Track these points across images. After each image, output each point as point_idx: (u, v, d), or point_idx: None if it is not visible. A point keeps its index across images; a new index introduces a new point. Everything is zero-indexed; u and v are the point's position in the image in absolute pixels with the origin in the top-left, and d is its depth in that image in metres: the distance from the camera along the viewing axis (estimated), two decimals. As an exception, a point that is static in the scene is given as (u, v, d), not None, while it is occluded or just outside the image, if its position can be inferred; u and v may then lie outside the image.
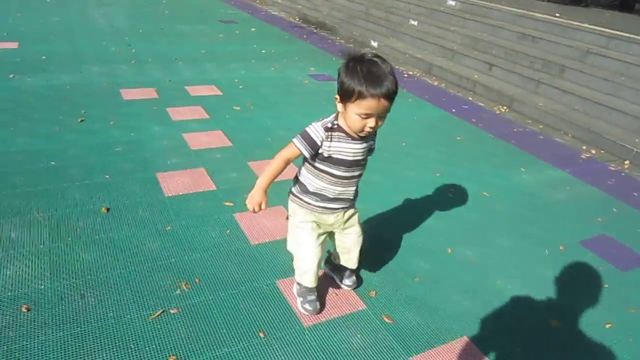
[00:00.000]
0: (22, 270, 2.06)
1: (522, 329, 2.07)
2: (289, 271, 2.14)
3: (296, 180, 1.90)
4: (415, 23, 7.84)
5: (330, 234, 2.02)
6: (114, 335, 1.76)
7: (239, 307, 2.00)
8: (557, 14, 7.25)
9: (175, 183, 2.95)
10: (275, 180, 1.77)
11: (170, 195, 2.81)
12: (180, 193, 2.85)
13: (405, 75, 6.25)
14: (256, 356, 1.75)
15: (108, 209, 2.58)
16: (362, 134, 1.68)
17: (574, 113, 4.97)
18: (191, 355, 1.72)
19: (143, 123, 3.79)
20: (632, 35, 5.80)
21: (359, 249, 2.04)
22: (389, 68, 1.57)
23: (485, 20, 7.21)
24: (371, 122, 1.60)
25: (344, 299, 2.13)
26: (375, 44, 7.51)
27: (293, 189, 1.91)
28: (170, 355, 1.71)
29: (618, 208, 3.36)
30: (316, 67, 6.06)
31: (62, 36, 6.21)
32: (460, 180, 3.44)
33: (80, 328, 1.78)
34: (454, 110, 5.07)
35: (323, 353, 1.81)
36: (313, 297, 2.00)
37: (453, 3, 8.04)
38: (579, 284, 2.47)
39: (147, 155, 3.26)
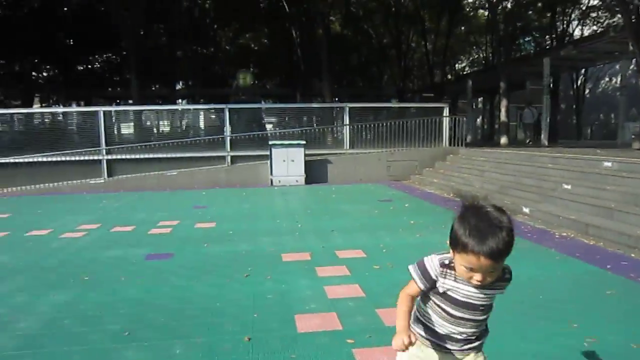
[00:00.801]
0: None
1: None
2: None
3: (415, 313, 1.81)
4: (569, 187, 7.72)
5: None
6: None
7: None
8: None
9: (309, 322, 3.37)
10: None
11: (302, 331, 3.22)
12: (311, 330, 3.24)
13: (557, 236, 6.05)
14: None
15: (250, 338, 3.09)
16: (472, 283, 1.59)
17: None
18: None
19: (293, 278, 4.44)
20: None
21: None
22: (504, 222, 1.50)
23: (647, 176, 6.81)
24: (477, 277, 1.54)
25: None
26: (527, 210, 7.51)
27: (410, 321, 1.77)
28: None
29: None
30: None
31: (248, 218, 7.68)
32: (603, 333, 3.17)
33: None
34: (609, 266, 4.71)
35: None
36: None
37: (609, 164, 7.81)
38: None
39: (290, 302, 3.80)
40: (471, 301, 1.63)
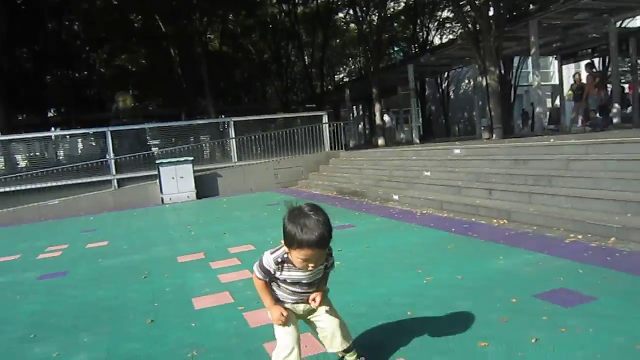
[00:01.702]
0: None
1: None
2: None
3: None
4: (429, 173, 8.99)
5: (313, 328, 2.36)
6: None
7: None
8: (551, 139, 8.17)
9: (205, 301, 3.85)
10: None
11: (199, 308, 3.69)
12: (207, 306, 3.72)
13: (418, 214, 7.13)
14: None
15: (152, 321, 3.49)
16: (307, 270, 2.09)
17: (562, 211, 5.52)
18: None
19: (189, 273, 4.85)
20: (605, 139, 6.53)
21: (337, 326, 2.29)
22: (321, 217, 1.99)
23: (485, 157, 8.24)
24: (311, 265, 2.03)
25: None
26: (396, 197, 8.60)
27: None
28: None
29: (584, 269, 3.77)
30: (339, 221, 7.12)
31: (141, 233, 7.82)
32: (439, 272, 4.07)
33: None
34: (453, 229, 5.79)
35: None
36: None
37: (458, 151, 9.24)
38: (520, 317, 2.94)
39: (187, 290, 4.23)
40: (305, 280, 2.15)
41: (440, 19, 28.13)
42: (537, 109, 13.54)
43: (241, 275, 4.60)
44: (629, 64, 19.19)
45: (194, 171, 12.80)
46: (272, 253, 2.13)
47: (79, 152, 14.54)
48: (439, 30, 29.13)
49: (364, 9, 21.22)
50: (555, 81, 26.71)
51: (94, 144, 14.31)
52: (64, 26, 26.03)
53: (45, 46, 23.76)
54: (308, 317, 2.32)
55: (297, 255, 1.99)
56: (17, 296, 4.58)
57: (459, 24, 27.36)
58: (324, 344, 2.37)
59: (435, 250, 4.89)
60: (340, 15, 30.73)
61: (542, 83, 28.16)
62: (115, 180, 13.07)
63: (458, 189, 7.59)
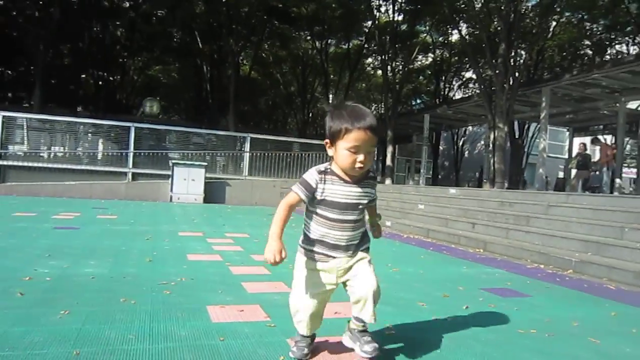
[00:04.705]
0: None
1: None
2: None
3: (303, 232, 2.05)
4: (422, 207, 9.53)
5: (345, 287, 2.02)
6: None
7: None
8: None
9: (197, 257, 4.40)
10: None
11: (191, 260, 4.24)
12: (198, 260, 4.26)
13: (404, 236, 7.64)
14: None
15: (150, 260, 4.04)
16: (354, 173, 1.87)
17: (533, 245, 6.00)
18: None
19: (186, 241, 5.42)
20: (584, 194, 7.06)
21: (371, 295, 1.92)
22: (368, 110, 1.85)
23: (476, 197, 8.79)
24: (360, 157, 1.81)
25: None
26: (389, 223, 9.11)
27: (300, 241, 2.06)
28: None
29: (532, 282, 4.26)
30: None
31: (148, 216, 8.40)
32: (406, 268, 4.58)
33: None
34: (431, 248, 6.29)
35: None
36: (303, 343, 2.04)
37: (454, 191, 9.79)
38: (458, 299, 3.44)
39: (184, 250, 4.79)
40: (349, 200, 1.91)
41: (464, 79, 29.29)
42: (540, 170, 14.09)
43: (233, 248, 5.15)
44: (638, 145, 19.82)
45: (206, 177, 13.47)
46: (314, 167, 1.94)
47: (101, 142, 15.34)
48: (461, 89, 30.21)
49: (390, 55, 22.29)
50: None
51: (116, 137, 15.10)
52: (108, 30, 27.60)
53: (89, 46, 25.22)
54: (343, 279, 2.01)
55: (344, 146, 1.82)
56: (34, 234, 5.18)
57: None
58: (353, 309, 2.00)
59: (408, 257, 5.40)
60: (370, 60, 32.07)
61: (556, 155, 28.89)
62: (130, 174, 13.78)
63: (446, 221, 8.10)
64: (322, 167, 1.92)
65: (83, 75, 27.70)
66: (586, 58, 22.43)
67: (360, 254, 2.03)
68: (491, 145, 14.85)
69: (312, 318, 1.99)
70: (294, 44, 29.17)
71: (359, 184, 1.93)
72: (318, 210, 1.93)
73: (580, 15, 19.71)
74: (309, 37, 29.02)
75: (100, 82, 28.26)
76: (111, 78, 31.13)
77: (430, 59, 28.97)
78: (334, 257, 1.96)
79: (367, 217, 2.16)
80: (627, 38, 21.27)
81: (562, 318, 3.04)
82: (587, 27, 20.88)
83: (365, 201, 1.98)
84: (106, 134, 14.65)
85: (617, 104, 15.48)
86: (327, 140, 1.90)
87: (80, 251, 4.30)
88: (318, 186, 1.89)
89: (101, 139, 14.97)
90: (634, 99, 16.16)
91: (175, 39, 28.31)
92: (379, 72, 31.07)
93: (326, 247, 1.96)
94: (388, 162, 21.48)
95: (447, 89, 29.85)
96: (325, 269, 1.97)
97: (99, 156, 14.42)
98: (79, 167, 13.36)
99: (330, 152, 1.90)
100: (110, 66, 28.86)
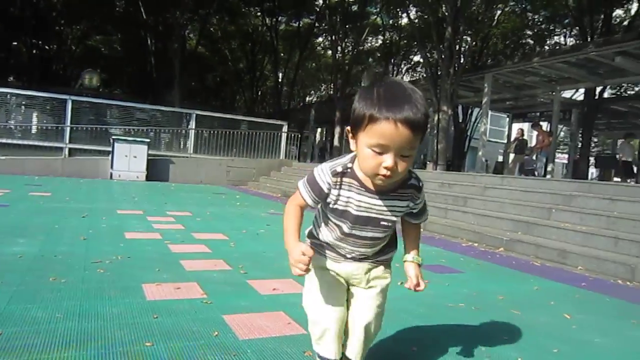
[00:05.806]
0: (22, 246, 3.33)
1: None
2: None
3: (312, 224, 1.59)
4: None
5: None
6: None
7: None
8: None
9: (135, 235, 4.29)
10: None
11: (129, 238, 4.13)
12: (136, 238, 4.16)
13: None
14: None
15: (85, 238, 3.90)
16: (377, 181, 1.30)
17: (469, 225, 6.29)
18: None
19: (125, 220, 5.25)
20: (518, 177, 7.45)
21: (362, 332, 1.52)
22: (418, 95, 1.25)
23: (419, 179, 9.05)
24: (388, 160, 1.22)
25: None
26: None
27: (307, 232, 1.60)
28: None
29: (465, 259, 4.48)
30: (275, 210, 7.66)
31: (85, 193, 8.07)
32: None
33: None
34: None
35: None
36: None
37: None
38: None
39: (121, 228, 4.65)
40: (371, 215, 1.39)
41: (412, 63, 29.80)
42: (480, 152, 14.67)
43: (174, 226, 5.06)
44: (570, 132, 21.03)
45: (148, 154, 13.04)
46: (332, 161, 1.43)
47: (36, 115, 14.48)
48: (409, 72, 30.74)
49: (340, 35, 22.29)
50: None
51: (52, 110, 14.28)
52: (43, -5, 25.82)
53: (21, 11, 23.51)
54: (361, 285, 1.57)
55: (367, 141, 1.25)
56: (-43, 211, 4.86)
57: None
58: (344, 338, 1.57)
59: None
60: (320, 40, 31.92)
61: (497, 140, 30.14)
62: (67, 149, 13.12)
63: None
64: (339, 165, 1.38)
65: (15, 43, 25.88)
66: (527, 47, 23.37)
67: (377, 273, 1.58)
68: (435, 128, 15.25)
69: (338, 332, 1.50)
70: (244, 19, 28.55)
71: (388, 195, 1.39)
72: (330, 216, 1.46)
73: (523, 6, 20.51)
74: (259, 13, 28.44)
75: (34, 51, 26.52)
76: (47, 47, 29.28)
77: (380, 42, 29.19)
78: (346, 261, 1.52)
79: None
80: (565, 30, 22.39)
81: (489, 292, 3.23)
82: (529, 18, 21.77)
83: (394, 218, 1.44)
84: (41, 107, 13.81)
85: (554, 93, 16.30)
86: (348, 129, 1.34)
87: (8, 229, 4.08)
88: (331, 192, 1.39)
89: (35, 112, 14.12)
90: (568, 88, 17.08)
91: (117, 8, 26.92)
92: (329, 52, 31.08)
93: (336, 253, 1.52)
94: (335, 142, 21.62)
95: (395, 72, 30.28)
96: (335, 269, 1.53)
97: (33, 130, 13.61)
98: (9, 141, 12.56)
99: (352, 145, 1.34)
100: (45, 34, 27.10)
